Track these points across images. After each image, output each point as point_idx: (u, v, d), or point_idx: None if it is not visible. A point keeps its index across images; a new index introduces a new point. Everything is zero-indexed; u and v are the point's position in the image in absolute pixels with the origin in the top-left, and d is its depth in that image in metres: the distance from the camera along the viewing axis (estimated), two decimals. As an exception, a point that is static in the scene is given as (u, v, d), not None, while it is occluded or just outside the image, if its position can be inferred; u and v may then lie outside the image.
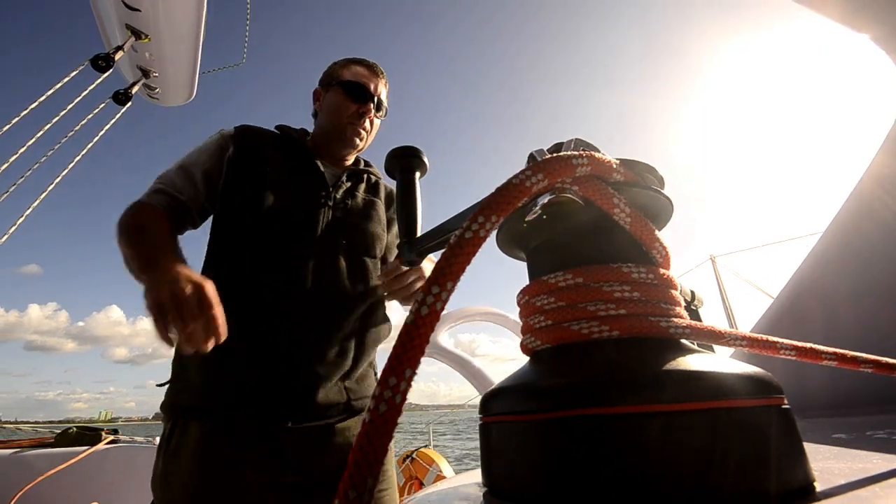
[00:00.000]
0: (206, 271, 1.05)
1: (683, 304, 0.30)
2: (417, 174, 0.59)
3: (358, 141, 1.21)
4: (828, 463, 0.29)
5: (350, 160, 1.27)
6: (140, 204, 1.05)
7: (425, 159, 0.58)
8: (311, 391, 0.99)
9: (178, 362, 1.03)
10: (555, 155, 0.27)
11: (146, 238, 0.96)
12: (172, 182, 1.08)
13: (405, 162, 0.57)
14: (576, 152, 0.27)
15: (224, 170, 1.11)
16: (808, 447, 0.23)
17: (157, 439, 1.87)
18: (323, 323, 1.03)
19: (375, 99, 1.20)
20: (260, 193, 1.08)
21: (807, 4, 0.83)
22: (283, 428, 0.96)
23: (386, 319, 1.19)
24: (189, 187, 1.09)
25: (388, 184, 1.34)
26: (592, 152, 0.28)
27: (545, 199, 0.28)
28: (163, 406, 1.01)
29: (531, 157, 0.31)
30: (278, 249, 1.05)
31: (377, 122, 1.25)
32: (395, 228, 1.27)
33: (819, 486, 0.22)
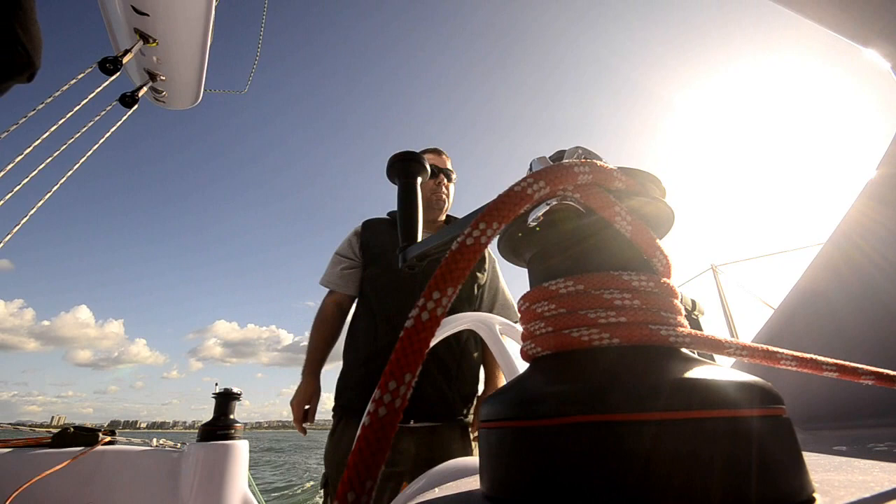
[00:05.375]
0: (362, 317, 1.62)
1: (684, 313, 0.30)
2: (419, 179, 0.59)
3: (441, 203, 1.71)
4: (828, 475, 0.29)
5: (441, 219, 1.76)
6: (320, 308, 1.72)
7: (426, 164, 0.58)
8: (428, 403, 1.47)
9: (342, 379, 1.57)
10: (557, 163, 0.27)
11: (310, 345, 1.68)
12: (335, 277, 1.70)
13: (406, 167, 0.58)
14: (577, 160, 0.28)
15: (358, 254, 1.70)
16: (809, 459, 0.23)
17: (154, 441, 1.86)
18: (431, 356, 1.50)
19: (445, 172, 1.72)
20: (379, 262, 1.61)
21: (814, 19, 0.83)
22: (403, 427, 1.43)
23: (477, 349, 1.67)
24: (341, 275, 1.69)
25: None
26: (594, 160, 0.28)
27: (547, 207, 0.28)
28: (334, 407, 1.57)
29: (533, 164, 0.31)
30: (396, 297, 1.54)
31: (451, 187, 1.76)
32: (487, 270, 1.81)
33: (819, 498, 0.22)
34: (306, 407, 1.58)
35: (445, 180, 1.71)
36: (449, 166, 1.75)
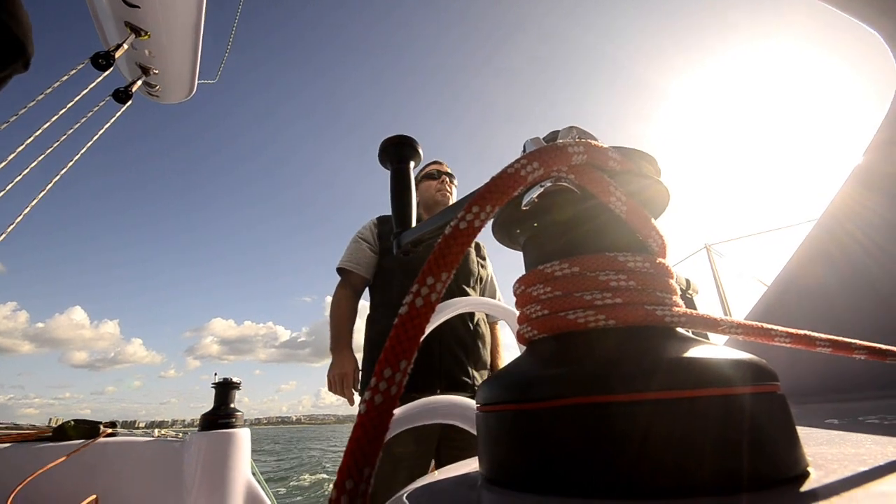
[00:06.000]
0: (381, 307, 1.77)
1: (679, 292, 0.30)
2: (411, 164, 0.58)
3: (447, 200, 1.90)
4: (820, 448, 0.29)
5: None
6: (337, 287, 1.84)
7: (419, 149, 0.57)
8: (451, 375, 1.62)
9: (363, 374, 1.71)
10: (551, 143, 0.27)
11: (332, 325, 1.79)
12: (354, 259, 1.83)
13: (398, 151, 0.57)
14: (572, 140, 0.27)
15: (376, 241, 1.85)
16: (802, 433, 0.23)
17: (156, 432, 1.87)
18: (452, 334, 1.68)
19: (447, 174, 1.95)
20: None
21: None
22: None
23: (486, 328, 1.88)
24: (362, 257, 1.83)
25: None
26: (588, 140, 0.28)
27: (541, 189, 0.28)
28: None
29: (526, 145, 0.30)
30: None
31: (454, 188, 1.97)
32: (488, 268, 2.03)
33: (813, 472, 0.22)
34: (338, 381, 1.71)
35: (448, 180, 1.93)
36: (449, 170, 1.99)
